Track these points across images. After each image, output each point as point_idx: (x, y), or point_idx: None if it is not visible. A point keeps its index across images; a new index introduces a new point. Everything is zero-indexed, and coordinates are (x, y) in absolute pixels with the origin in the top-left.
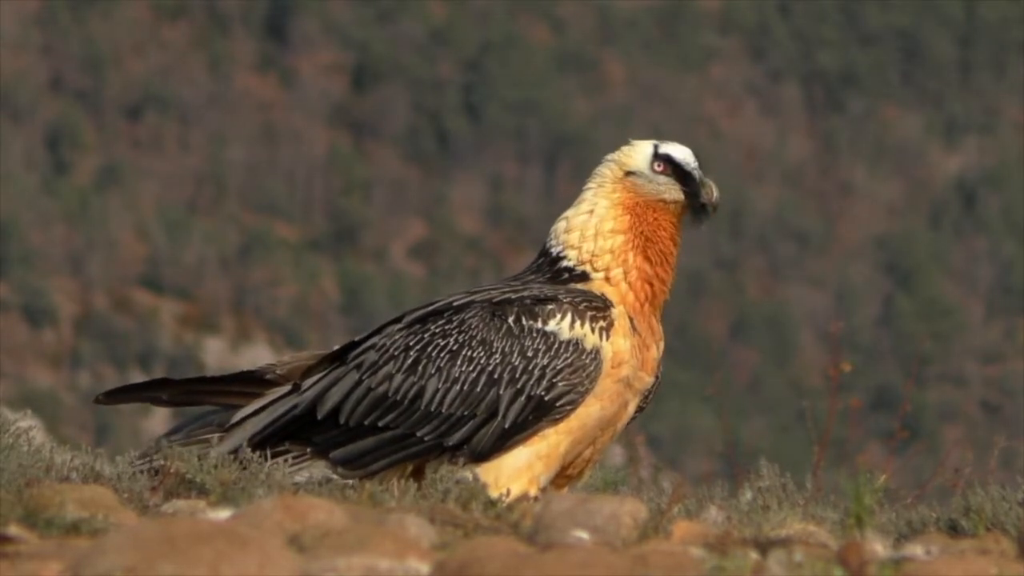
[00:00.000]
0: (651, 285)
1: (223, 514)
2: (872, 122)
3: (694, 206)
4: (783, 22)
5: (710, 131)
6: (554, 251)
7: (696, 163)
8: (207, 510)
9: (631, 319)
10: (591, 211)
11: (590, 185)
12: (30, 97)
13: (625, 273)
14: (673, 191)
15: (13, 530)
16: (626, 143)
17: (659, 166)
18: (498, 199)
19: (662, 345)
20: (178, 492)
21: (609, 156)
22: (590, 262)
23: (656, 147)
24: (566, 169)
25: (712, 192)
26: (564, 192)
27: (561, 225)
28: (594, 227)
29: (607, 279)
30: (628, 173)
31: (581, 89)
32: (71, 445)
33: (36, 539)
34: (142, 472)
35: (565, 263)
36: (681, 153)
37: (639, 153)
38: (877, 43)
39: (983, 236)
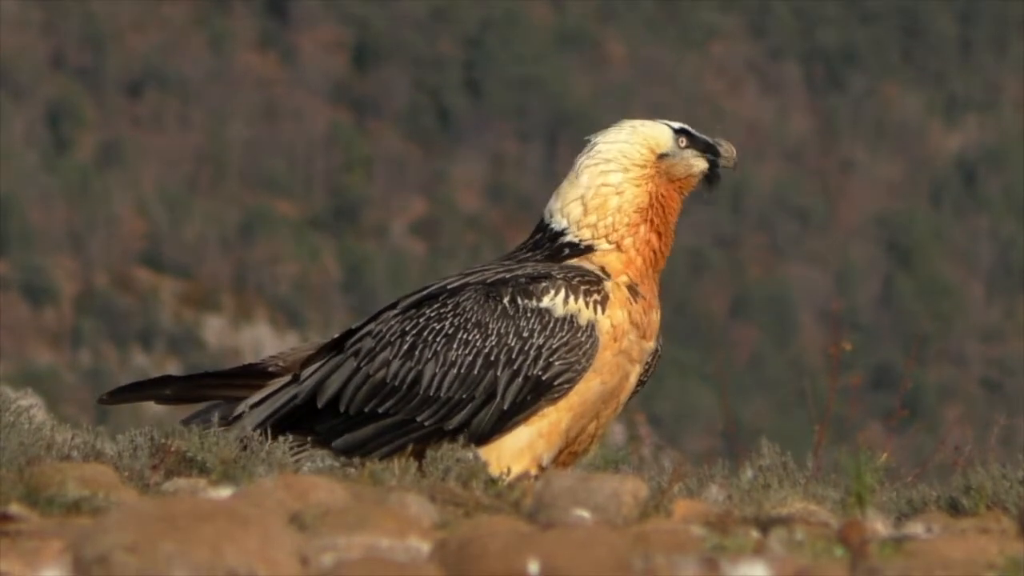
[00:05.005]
0: (655, 253)
1: (224, 493)
2: (872, 100)
3: (712, 173)
4: (783, 0)
5: (711, 109)
6: (557, 227)
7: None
8: (208, 489)
9: (634, 285)
10: (619, 193)
11: (612, 175)
12: (30, 74)
13: (635, 242)
14: (700, 162)
15: (14, 509)
16: (630, 127)
17: (682, 141)
18: (499, 177)
19: (659, 312)
20: (179, 471)
21: (624, 139)
22: (605, 235)
23: (670, 125)
24: (567, 147)
25: (731, 148)
26: (565, 170)
27: (576, 209)
28: (616, 207)
29: (618, 247)
30: (661, 156)
31: (582, 67)
32: (72, 424)
33: (37, 518)
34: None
35: (571, 238)
36: (690, 127)
37: (663, 135)
38: (877, 21)
39: (984, 215)
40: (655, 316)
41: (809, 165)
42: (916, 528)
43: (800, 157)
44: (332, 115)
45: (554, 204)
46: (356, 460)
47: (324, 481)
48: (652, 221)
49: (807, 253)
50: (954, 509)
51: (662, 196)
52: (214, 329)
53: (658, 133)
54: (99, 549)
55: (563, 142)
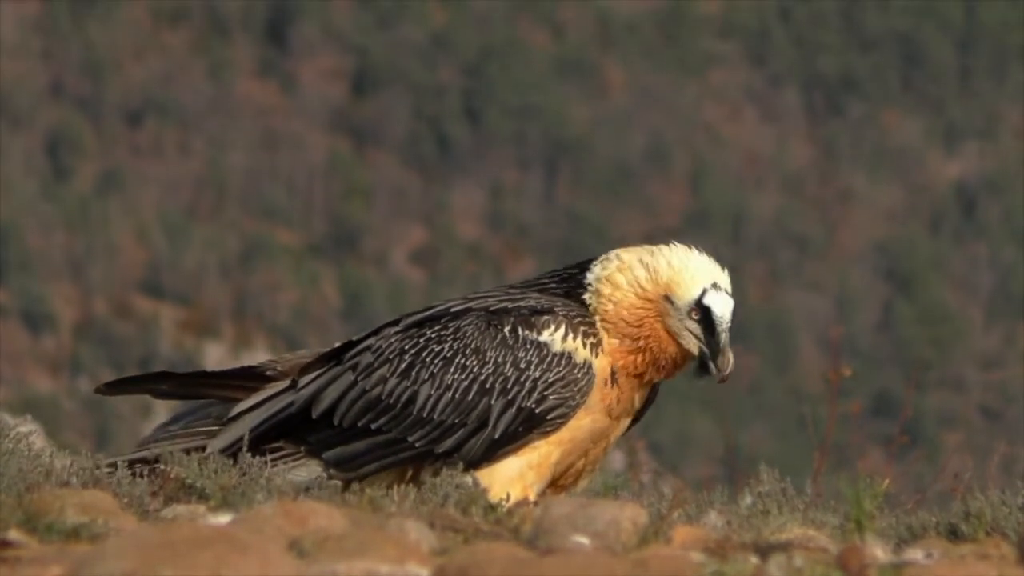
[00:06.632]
0: (636, 367)
1: (223, 519)
2: (872, 127)
3: (703, 362)
4: (783, 27)
5: (710, 137)
6: (588, 277)
7: (728, 324)
8: (207, 515)
9: (616, 373)
10: (629, 286)
11: (641, 270)
12: (30, 103)
13: (620, 343)
14: (691, 342)
15: (13, 535)
16: (688, 259)
17: (695, 314)
18: (498, 205)
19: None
20: (178, 497)
21: (674, 260)
22: (600, 313)
23: (704, 293)
24: (566, 175)
25: (727, 364)
26: (564, 197)
27: (610, 264)
28: (620, 298)
29: (608, 334)
30: (667, 298)
31: (581, 94)
32: (71, 450)
33: (36, 544)
34: (138, 468)
35: (586, 295)
36: (721, 309)
37: (688, 290)
38: (877, 48)
39: (983, 242)
40: (629, 409)
41: (808, 192)
42: (915, 554)
43: (800, 184)
44: (331, 143)
45: (619, 250)
46: (350, 477)
47: (323, 507)
48: (637, 340)
49: (807, 280)
50: (953, 535)
51: (655, 332)
52: (214, 356)
53: (687, 285)
54: (98, 575)
55: (563, 170)
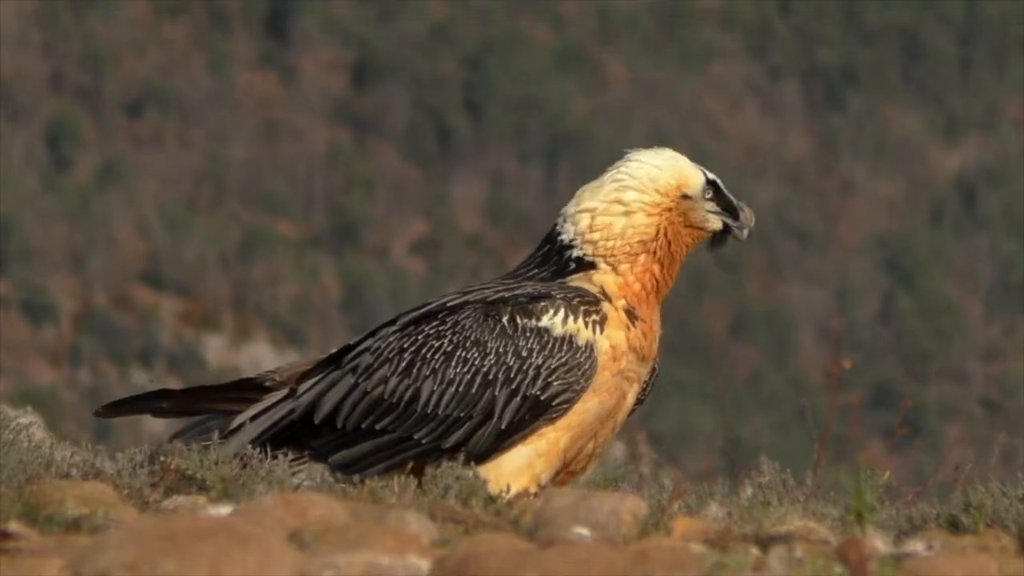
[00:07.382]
0: (656, 281)
1: (224, 510)
2: (872, 120)
3: (727, 229)
4: (783, 19)
5: (710, 129)
6: (565, 237)
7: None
8: (208, 506)
9: (632, 309)
10: (627, 214)
11: (629, 192)
12: (30, 95)
13: (632, 267)
14: (716, 221)
15: (13, 527)
16: (669, 156)
17: (708, 193)
18: (499, 197)
19: (659, 334)
20: (178, 488)
21: (659, 164)
22: (604, 256)
23: (704, 172)
24: (566, 167)
25: (750, 217)
26: (564, 190)
27: (584, 221)
28: (620, 230)
29: (615, 270)
30: (685, 196)
31: (581, 87)
32: (71, 442)
33: (36, 536)
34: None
35: (577, 253)
36: (713, 174)
37: (695, 177)
38: (877, 40)
39: (983, 234)
40: (655, 339)
41: (809, 184)
42: (916, 546)
43: (800, 176)
44: (332, 135)
45: (570, 207)
46: (353, 476)
47: (323, 499)
48: (655, 253)
49: (807, 272)
50: (954, 527)
51: (673, 233)
52: (214, 348)
53: (692, 174)
54: (99, 567)
55: (563, 162)
